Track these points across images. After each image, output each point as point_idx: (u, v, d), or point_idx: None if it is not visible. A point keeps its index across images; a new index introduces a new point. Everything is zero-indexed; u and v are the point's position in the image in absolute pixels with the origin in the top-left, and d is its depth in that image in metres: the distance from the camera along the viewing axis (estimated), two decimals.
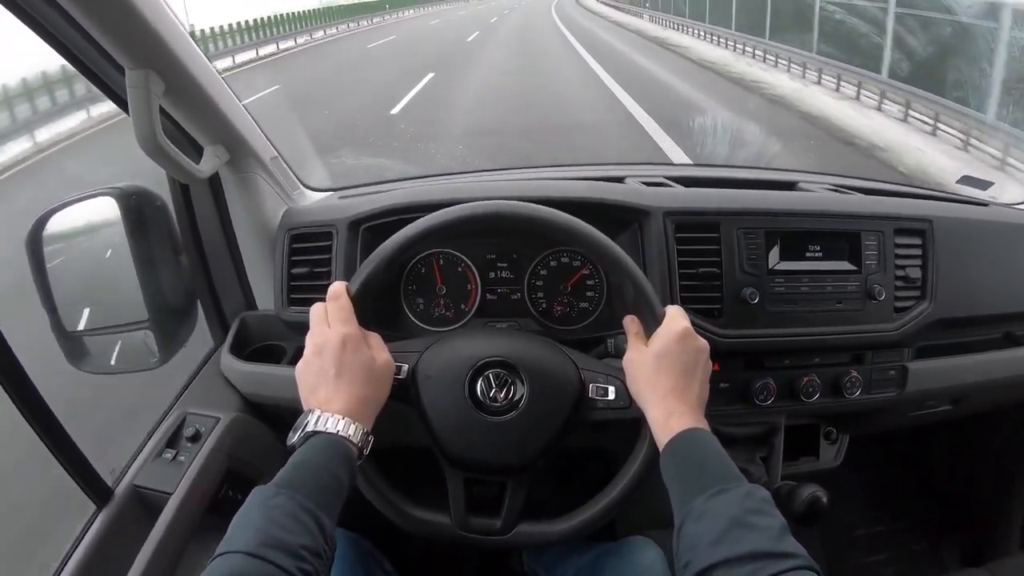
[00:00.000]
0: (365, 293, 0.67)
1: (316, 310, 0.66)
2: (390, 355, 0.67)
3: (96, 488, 0.74)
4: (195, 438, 0.81)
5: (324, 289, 0.67)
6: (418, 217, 0.69)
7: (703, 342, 0.67)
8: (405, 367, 0.69)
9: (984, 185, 1.21)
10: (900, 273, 0.90)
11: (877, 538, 1.35)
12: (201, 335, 0.98)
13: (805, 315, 0.87)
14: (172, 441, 0.81)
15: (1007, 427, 1.22)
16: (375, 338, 0.67)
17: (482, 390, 0.67)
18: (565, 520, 0.69)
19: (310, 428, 0.59)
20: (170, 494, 0.75)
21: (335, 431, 0.59)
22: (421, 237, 0.68)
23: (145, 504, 0.76)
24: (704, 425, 0.63)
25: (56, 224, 0.82)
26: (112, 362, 0.87)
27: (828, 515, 0.79)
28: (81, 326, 0.84)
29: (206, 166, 0.81)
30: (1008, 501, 1.23)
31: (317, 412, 0.60)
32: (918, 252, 0.92)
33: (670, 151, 5.23)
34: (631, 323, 0.71)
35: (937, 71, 6.16)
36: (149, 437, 0.82)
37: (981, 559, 1.10)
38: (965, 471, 1.32)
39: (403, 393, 0.68)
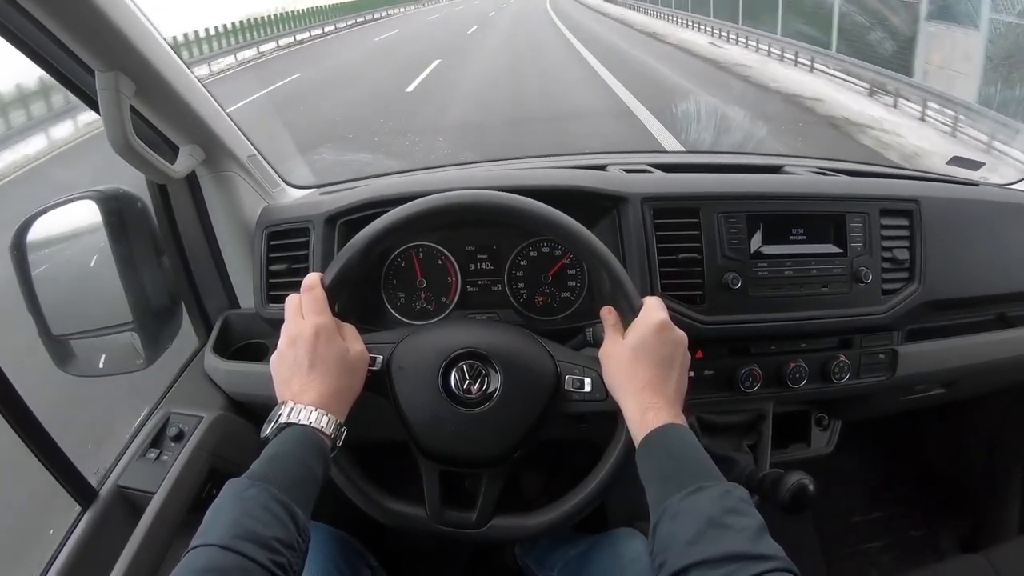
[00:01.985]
0: (340, 284, 0.67)
1: (291, 302, 0.66)
2: (364, 346, 0.67)
3: (80, 489, 0.74)
4: (178, 437, 0.81)
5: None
6: (392, 209, 0.69)
7: (681, 334, 0.66)
8: (380, 358, 0.69)
9: (974, 166, 1.19)
10: (887, 255, 0.89)
11: (874, 524, 1.34)
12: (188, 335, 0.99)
13: (790, 299, 0.86)
14: (156, 441, 0.82)
15: (1002, 410, 1.20)
16: (349, 329, 0.67)
17: (456, 382, 0.67)
18: (541, 514, 0.68)
19: (283, 420, 0.59)
20: (153, 493, 0.76)
21: (308, 423, 0.59)
22: (395, 227, 0.68)
23: (129, 504, 0.77)
24: (681, 420, 0.62)
25: (39, 229, 0.82)
26: (98, 365, 0.88)
27: (818, 502, 0.78)
28: (67, 329, 0.84)
29: (181, 166, 0.81)
30: (1005, 485, 1.21)
31: (290, 404, 0.60)
32: (905, 233, 0.91)
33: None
34: (608, 314, 0.70)
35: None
36: (133, 437, 0.83)
37: (978, 544, 1.09)
38: (961, 455, 1.31)
39: (377, 385, 0.68)
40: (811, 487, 0.76)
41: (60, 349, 0.84)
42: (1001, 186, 1.13)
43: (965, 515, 1.30)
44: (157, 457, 0.80)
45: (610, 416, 0.67)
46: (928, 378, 0.97)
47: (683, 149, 4.77)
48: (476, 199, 0.69)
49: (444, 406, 0.67)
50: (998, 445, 1.22)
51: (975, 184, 1.10)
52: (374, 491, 0.69)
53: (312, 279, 0.66)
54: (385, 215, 0.69)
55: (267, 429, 0.60)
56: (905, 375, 0.92)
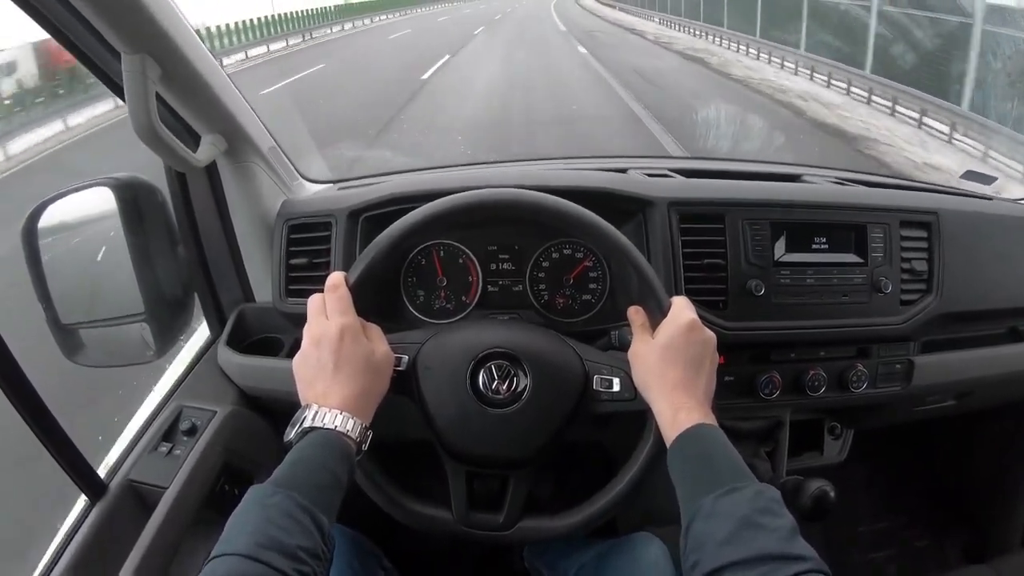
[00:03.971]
0: (364, 283, 0.66)
1: (314, 301, 0.65)
2: (389, 347, 0.66)
3: (90, 482, 0.72)
4: (191, 432, 0.80)
5: (323, 280, 0.66)
6: (418, 206, 0.68)
7: (710, 334, 0.66)
8: (405, 358, 0.68)
9: (988, 180, 1.20)
10: (906, 266, 0.90)
11: (881, 534, 1.34)
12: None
13: (811, 307, 0.86)
14: (168, 435, 0.80)
15: (1011, 423, 1.21)
16: (374, 329, 0.66)
17: (484, 382, 0.66)
18: (569, 515, 0.68)
19: (307, 424, 0.58)
20: (165, 488, 0.74)
21: (333, 427, 0.58)
22: (422, 225, 0.67)
23: (140, 498, 0.75)
24: (712, 420, 0.61)
25: (51, 215, 0.80)
26: (108, 355, 0.86)
27: (835, 510, 0.78)
28: (76, 319, 0.82)
29: (203, 155, 0.79)
30: (1012, 497, 1.22)
31: (315, 407, 0.59)
32: (924, 245, 0.91)
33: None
34: (636, 314, 0.70)
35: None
36: (144, 431, 0.81)
37: (985, 555, 1.09)
38: (969, 467, 1.32)
39: (403, 385, 0.67)
40: (832, 494, 0.76)
41: (69, 338, 0.82)
42: (1015, 200, 1.14)
43: (971, 526, 1.30)
44: (169, 451, 0.78)
45: (638, 416, 0.67)
46: (942, 389, 0.98)
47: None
48: (506, 197, 0.68)
49: (472, 406, 0.66)
50: (1005, 458, 1.23)
51: (989, 198, 1.11)
52: (398, 493, 0.67)
53: (336, 278, 0.65)
54: (414, 211, 0.68)
55: (291, 433, 0.59)
56: (920, 386, 0.93)
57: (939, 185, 1.20)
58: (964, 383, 0.98)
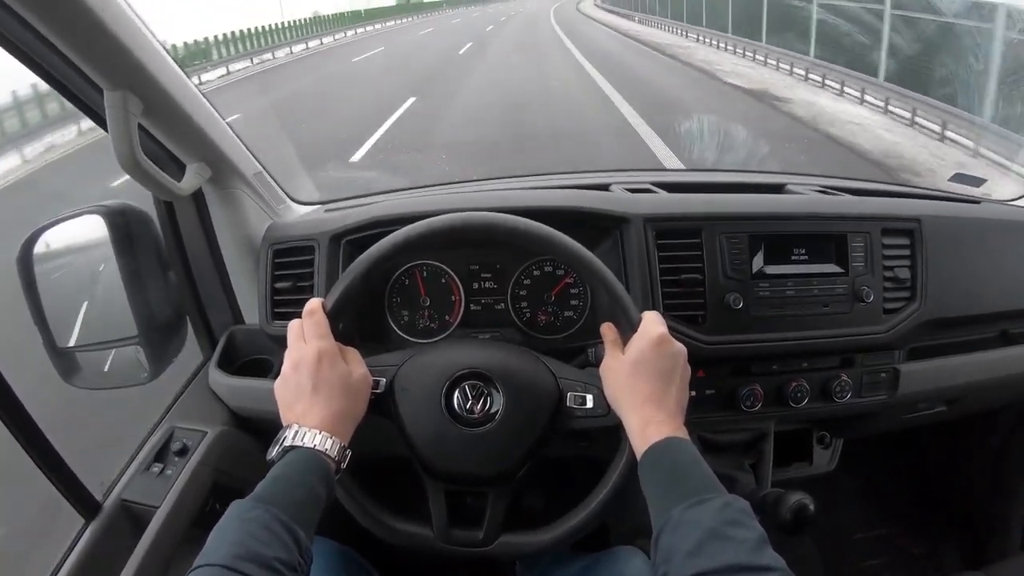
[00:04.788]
0: (341, 308, 0.67)
1: (293, 326, 0.67)
2: (367, 369, 0.67)
3: (84, 502, 0.75)
4: (182, 452, 0.82)
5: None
6: (397, 229, 0.70)
7: (680, 346, 0.67)
8: (383, 380, 0.69)
9: (976, 182, 1.19)
10: (889, 274, 0.89)
11: (875, 542, 1.33)
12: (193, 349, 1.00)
13: (791, 319, 0.86)
14: (160, 455, 0.82)
15: (1004, 427, 1.20)
16: (352, 352, 0.68)
17: (459, 402, 0.68)
18: (548, 530, 0.69)
19: (287, 443, 0.60)
20: (157, 507, 0.76)
21: (312, 445, 0.60)
22: (395, 251, 0.68)
23: (133, 518, 0.77)
24: (683, 433, 0.62)
25: (45, 243, 0.83)
26: (103, 378, 0.88)
27: (819, 520, 0.78)
28: (72, 342, 0.85)
29: (187, 184, 0.81)
30: (1007, 502, 1.21)
31: (295, 427, 0.61)
32: (907, 252, 0.91)
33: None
34: (608, 330, 0.71)
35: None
36: (138, 451, 0.83)
37: (980, 561, 1.08)
38: (963, 472, 1.30)
39: (381, 407, 0.69)
40: (811, 507, 0.76)
41: (65, 361, 0.85)
42: (1003, 202, 1.13)
43: (966, 532, 1.29)
44: (161, 471, 0.80)
45: (612, 431, 0.67)
46: (930, 396, 0.97)
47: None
48: (470, 221, 0.70)
49: (448, 426, 0.67)
50: (1000, 462, 1.22)
51: (977, 201, 1.10)
52: (380, 511, 0.69)
53: (313, 304, 0.67)
54: (385, 238, 0.69)
55: (272, 451, 0.61)
56: (907, 393, 0.92)
57: (927, 189, 1.19)
58: (953, 389, 0.97)
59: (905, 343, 0.92)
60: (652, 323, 0.67)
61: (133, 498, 0.78)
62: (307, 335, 0.65)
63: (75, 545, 0.73)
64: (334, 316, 0.66)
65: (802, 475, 0.99)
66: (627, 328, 0.68)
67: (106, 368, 0.88)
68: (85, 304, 0.88)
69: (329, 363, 0.63)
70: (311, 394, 0.62)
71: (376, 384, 0.68)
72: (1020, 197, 1.15)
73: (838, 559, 1.28)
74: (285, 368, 0.65)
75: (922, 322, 0.90)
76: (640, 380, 0.64)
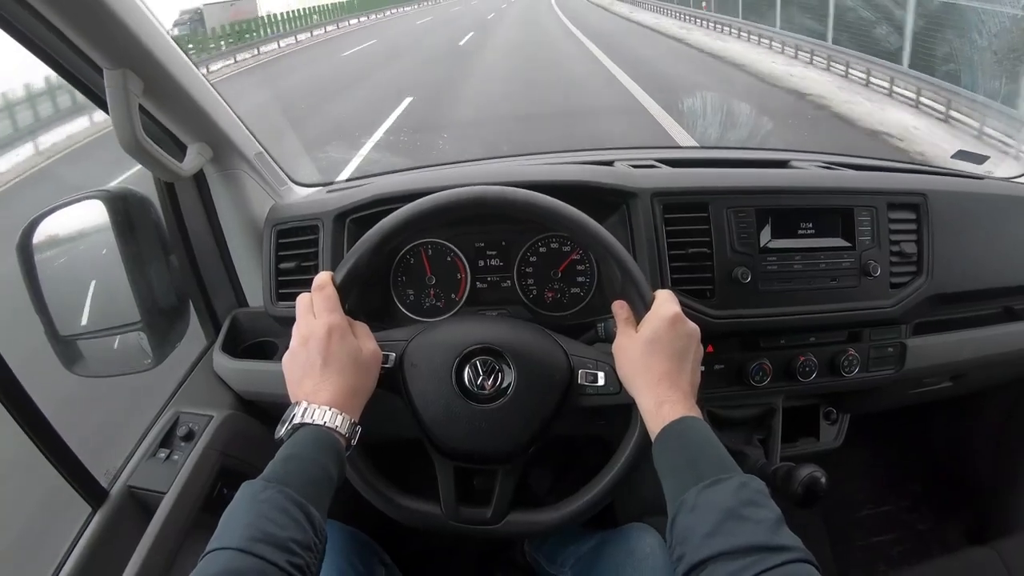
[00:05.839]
0: (351, 282, 0.67)
1: (302, 301, 0.66)
2: (377, 344, 0.67)
3: (91, 490, 0.74)
4: (188, 437, 0.81)
5: (312, 283, 0.67)
6: (401, 206, 0.69)
7: (694, 326, 0.66)
8: (392, 356, 0.68)
9: (979, 159, 1.19)
10: (895, 248, 0.89)
11: (881, 518, 1.34)
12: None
13: (799, 293, 0.86)
14: (166, 441, 0.81)
15: (1009, 402, 1.20)
16: (362, 327, 0.67)
17: (469, 378, 0.67)
18: (556, 508, 0.68)
19: (297, 420, 0.59)
20: (164, 493, 0.75)
21: (322, 423, 0.59)
22: (405, 224, 0.67)
23: (140, 504, 0.77)
24: (696, 412, 0.62)
25: (46, 229, 0.82)
26: (106, 365, 0.87)
27: (827, 496, 0.78)
28: (74, 330, 0.84)
29: (189, 164, 0.80)
30: (1012, 477, 1.21)
31: (304, 404, 0.60)
32: (913, 227, 0.91)
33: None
34: (620, 308, 0.70)
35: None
36: (143, 437, 0.83)
37: (986, 536, 1.09)
38: (968, 448, 1.31)
39: (391, 382, 0.68)
40: (823, 480, 0.76)
41: (67, 350, 0.83)
42: (1006, 179, 1.13)
43: (972, 508, 1.30)
44: (167, 457, 0.80)
45: (624, 410, 0.67)
46: (936, 371, 0.98)
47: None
48: (486, 194, 0.69)
49: (458, 402, 0.66)
50: (1005, 437, 1.22)
51: (980, 178, 1.11)
52: (389, 489, 0.68)
53: (323, 278, 0.66)
54: (395, 212, 0.68)
55: (281, 430, 0.60)
56: (913, 368, 0.93)
57: (930, 166, 1.19)
58: (959, 364, 0.98)
59: (912, 318, 0.92)
60: (666, 302, 0.66)
61: (140, 484, 0.77)
62: (317, 309, 0.64)
63: (82, 533, 0.72)
64: (344, 290, 0.66)
65: (809, 451, 0.99)
66: (640, 306, 0.67)
67: (109, 355, 0.87)
68: (92, 288, 0.86)
69: (339, 338, 0.62)
70: (321, 369, 0.61)
71: (386, 359, 0.68)
72: (1022, 175, 1.15)
73: (844, 535, 1.29)
74: (294, 343, 0.64)
75: (928, 296, 0.90)
76: (654, 359, 0.64)
